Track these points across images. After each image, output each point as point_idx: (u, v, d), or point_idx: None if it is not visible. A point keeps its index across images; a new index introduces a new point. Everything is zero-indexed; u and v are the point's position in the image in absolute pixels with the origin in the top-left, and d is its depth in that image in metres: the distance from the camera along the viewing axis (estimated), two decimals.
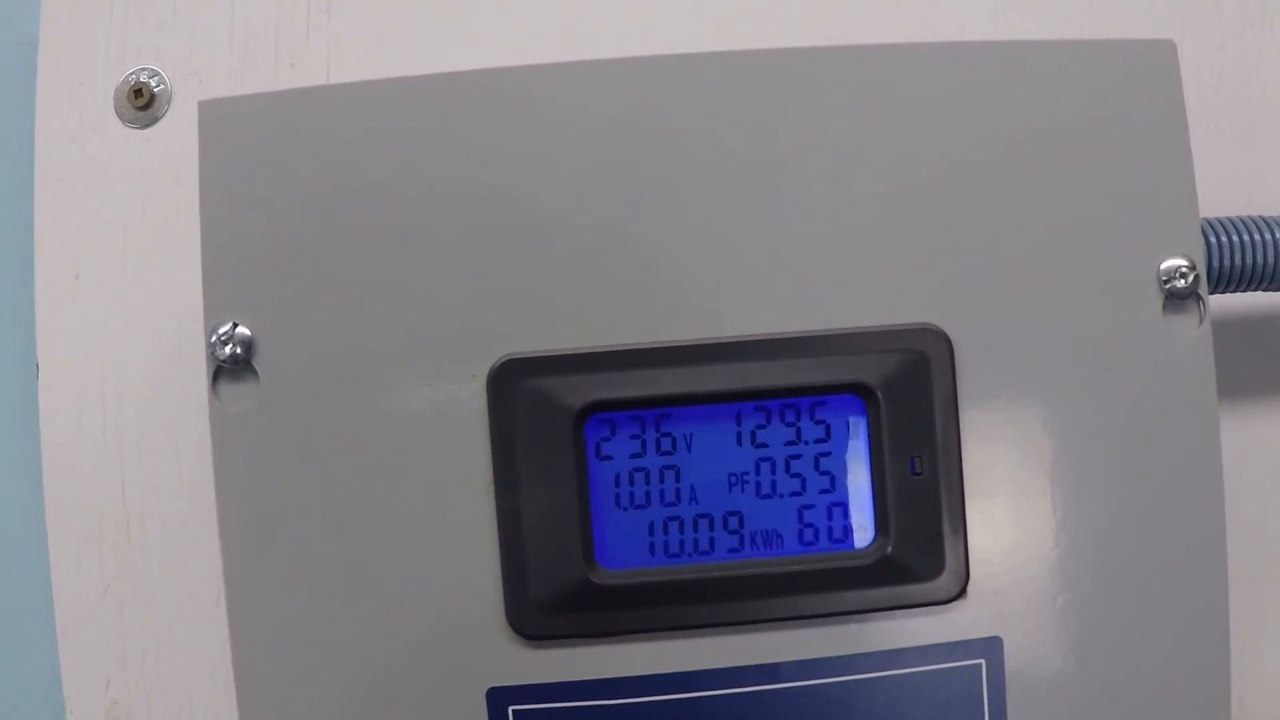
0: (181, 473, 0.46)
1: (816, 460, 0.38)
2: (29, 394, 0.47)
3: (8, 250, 0.49)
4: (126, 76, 0.48)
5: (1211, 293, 0.40)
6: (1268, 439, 0.49)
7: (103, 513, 0.47)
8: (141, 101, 0.47)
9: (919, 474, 0.37)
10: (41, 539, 0.46)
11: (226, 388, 0.37)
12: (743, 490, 0.38)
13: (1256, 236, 0.41)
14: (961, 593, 0.38)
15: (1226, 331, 0.47)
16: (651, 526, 0.37)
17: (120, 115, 0.47)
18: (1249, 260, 0.40)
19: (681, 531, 0.37)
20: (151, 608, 0.47)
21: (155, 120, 0.48)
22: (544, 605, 0.37)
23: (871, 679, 0.38)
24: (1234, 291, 0.41)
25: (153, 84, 0.47)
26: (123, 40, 0.48)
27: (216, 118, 0.38)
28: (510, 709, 0.37)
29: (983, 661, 0.38)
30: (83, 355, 0.47)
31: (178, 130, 0.47)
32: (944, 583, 0.38)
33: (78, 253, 0.47)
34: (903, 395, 0.37)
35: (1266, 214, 0.42)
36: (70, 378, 0.47)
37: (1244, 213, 0.42)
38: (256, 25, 0.48)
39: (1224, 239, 0.40)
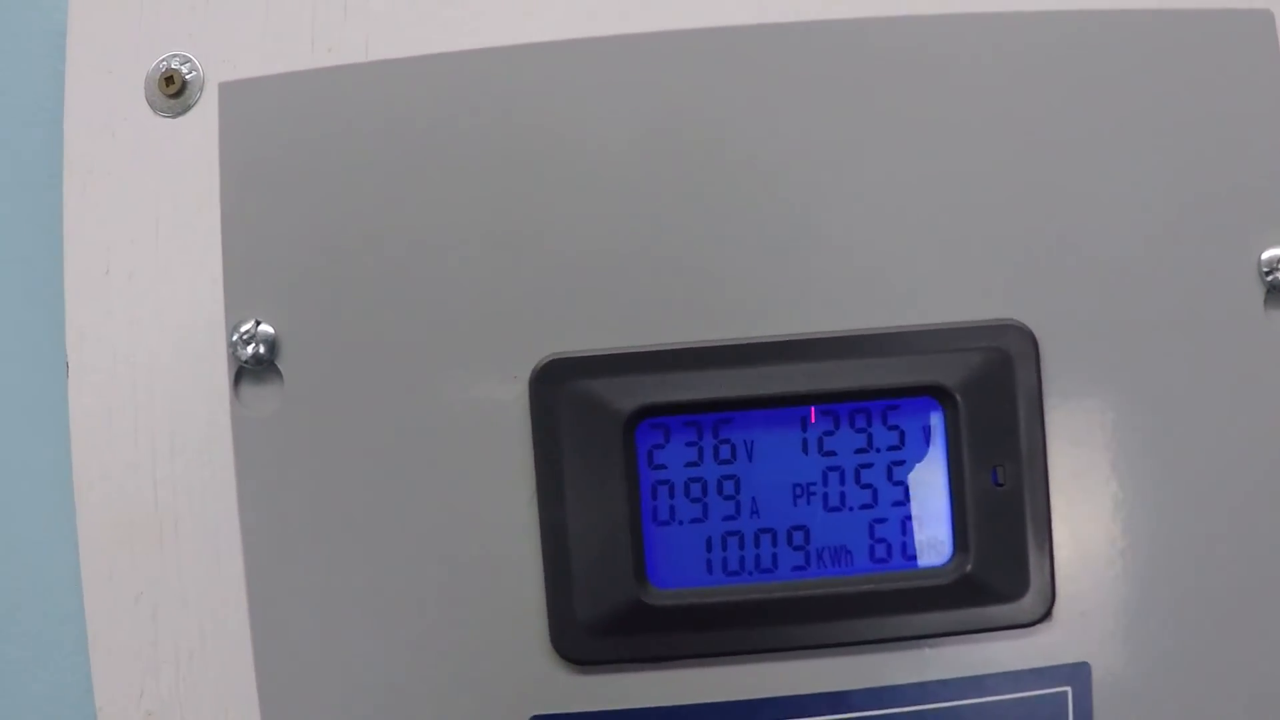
0: (215, 474, 0.46)
1: (889, 470, 0.37)
2: (58, 393, 0.46)
3: (37, 245, 0.48)
4: (158, 63, 0.47)
5: None
6: None
7: (134, 516, 0.46)
8: (173, 89, 0.46)
9: (1002, 485, 0.36)
10: (72, 544, 0.46)
11: (249, 390, 0.38)
12: (809, 503, 0.37)
13: None
14: (1047, 614, 0.37)
15: None
16: (709, 542, 0.37)
17: (151, 104, 0.47)
18: None
19: (741, 548, 0.37)
20: (185, 615, 0.46)
21: (188, 108, 0.47)
22: (591, 627, 0.36)
23: (948, 708, 0.37)
24: None
25: (185, 71, 0.46)
26: (154, 26, 0.47)
27: (238, 100, 0.38)
28: None
29: (1069, 689, 0.37)
30: (113, 353, 0.46)
31: (211, 119, 0.46)
32: (1028, 604, 0.36)
33: (108, 247, 0.46)
34: (984, 398, 0.36)
35: None
36: (100, 376, 0.46)
37: None
38: (292, 8, 0.48)
39: None
